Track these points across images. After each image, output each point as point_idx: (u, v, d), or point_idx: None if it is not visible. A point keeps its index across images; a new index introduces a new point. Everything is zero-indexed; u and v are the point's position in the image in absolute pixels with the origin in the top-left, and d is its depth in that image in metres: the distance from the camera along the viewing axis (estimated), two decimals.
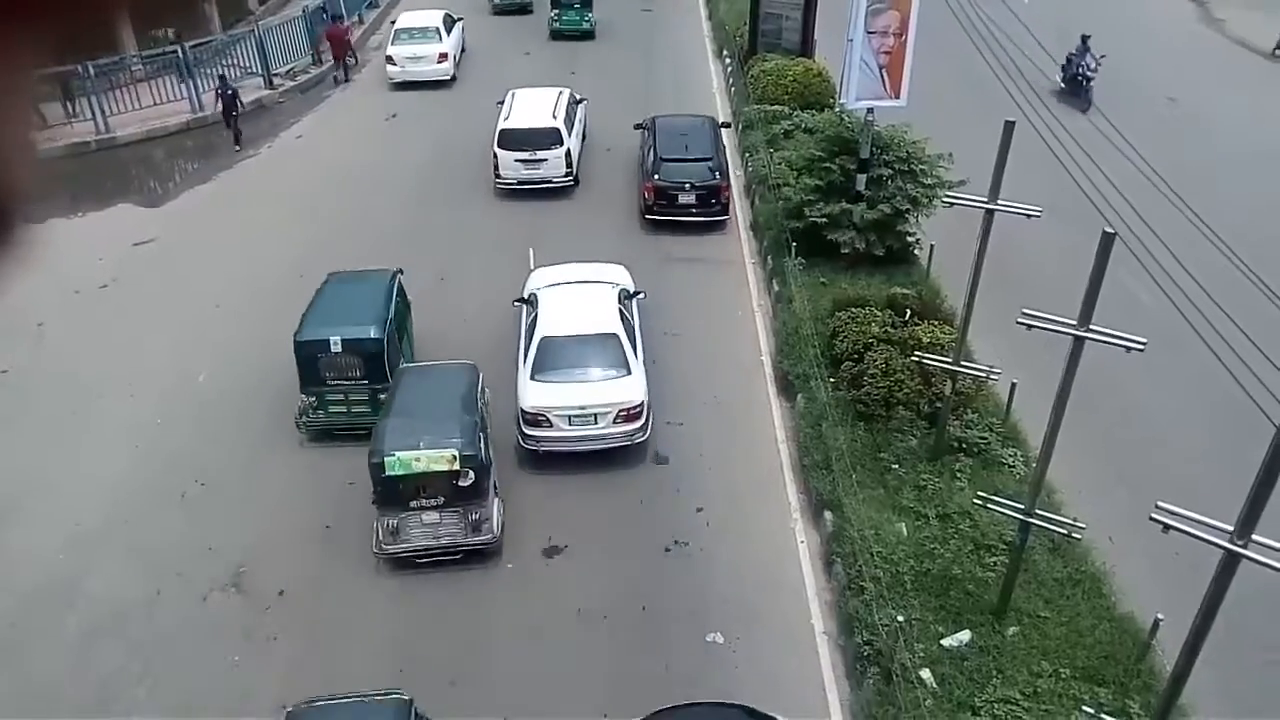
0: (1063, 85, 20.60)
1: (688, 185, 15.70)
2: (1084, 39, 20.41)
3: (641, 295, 12.94)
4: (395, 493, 9.39)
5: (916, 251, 14.21)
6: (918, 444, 10.52)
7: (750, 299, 14.36)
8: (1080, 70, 20.18)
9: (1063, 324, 7.43)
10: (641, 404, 10.98)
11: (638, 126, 17.80)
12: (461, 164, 18.25)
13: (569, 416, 10.86)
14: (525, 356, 11.33)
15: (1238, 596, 6.21)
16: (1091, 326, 7.30)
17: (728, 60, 22.70)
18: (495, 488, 10.08)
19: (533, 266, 13.91)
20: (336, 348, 11.00)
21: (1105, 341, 7.22)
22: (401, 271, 12.54)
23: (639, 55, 23.61)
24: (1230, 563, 6.12)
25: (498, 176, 16.99)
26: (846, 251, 13.81)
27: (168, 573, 9.86)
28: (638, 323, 12.22)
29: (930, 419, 10.68)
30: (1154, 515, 6.25)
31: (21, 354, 13.32)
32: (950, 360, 9.84)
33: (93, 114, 19.66)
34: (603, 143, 18.85)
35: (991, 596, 8.65)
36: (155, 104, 20.41)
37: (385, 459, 9.22)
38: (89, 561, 10.03)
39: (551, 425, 10.87)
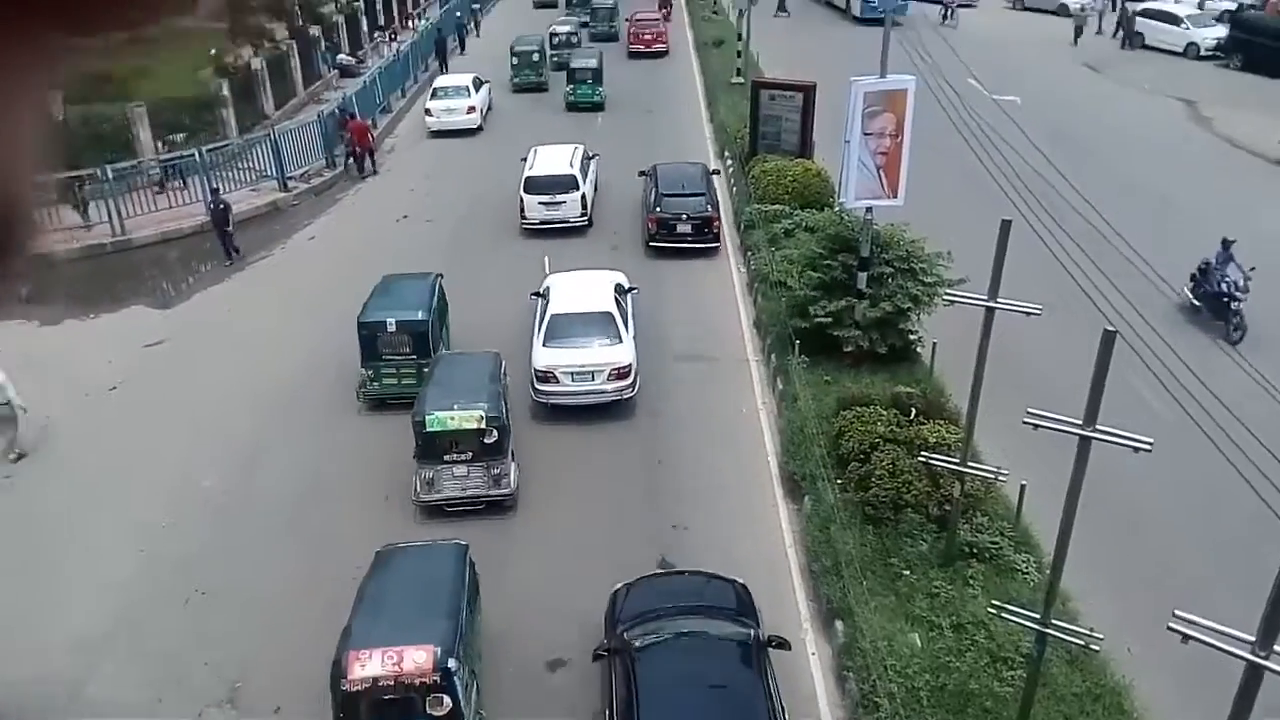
0: (1195, 303, 15.88)
1: (684, 216, 18.65)
2: (1225, 244, 15.82)
3: (634, 290, 15.48)
4: (433, 446, 11.40)
5: (919, 349, 14.28)
6: (928, 548, 10.36)
7: (755, 397, 14.38)
8: (1225, 286, 15.41)
9: (1068, 424, 7.39)
10: (629, 365, 13.56)
11: (641, 173, 20.74)
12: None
13: (572, 374, 13.43)
14: (538, 330, 13.99)
15: (1266, 707, 6.02)
16: (1097, 427, 7.26)
17: (729, 160, 23.28)
18: (513, 453, 11.93)
19: (547, 271, 16.38)
20: (391, 327, 13.51)
21: (1112, 442, 7.17)
22: (442, 276, 15.11)
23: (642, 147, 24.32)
24: (1254, 675, 5.96)
25: (523, 217, 19.65)
26: (850, 349, 13.89)
27: (169, 681, 9.65)
28: (630, 310, 14.81)
29: (940, 522, 10.55)
30: (1172, 625, 6.12)
31: (28, 457, 13.31)
32: (957, 460, 9.78)
33: (109, 217, 20.10)
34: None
35: (1010, 713, 8.37)
36: (171, 207, 20.88)
37: (426, 417, 11.32)
38: (90, 667, 9.83)
39: (558, 381, 13.46)
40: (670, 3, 42.34)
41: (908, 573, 9.99)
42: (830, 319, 13.82)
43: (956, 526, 10.18)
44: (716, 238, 18.95)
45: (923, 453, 10.39)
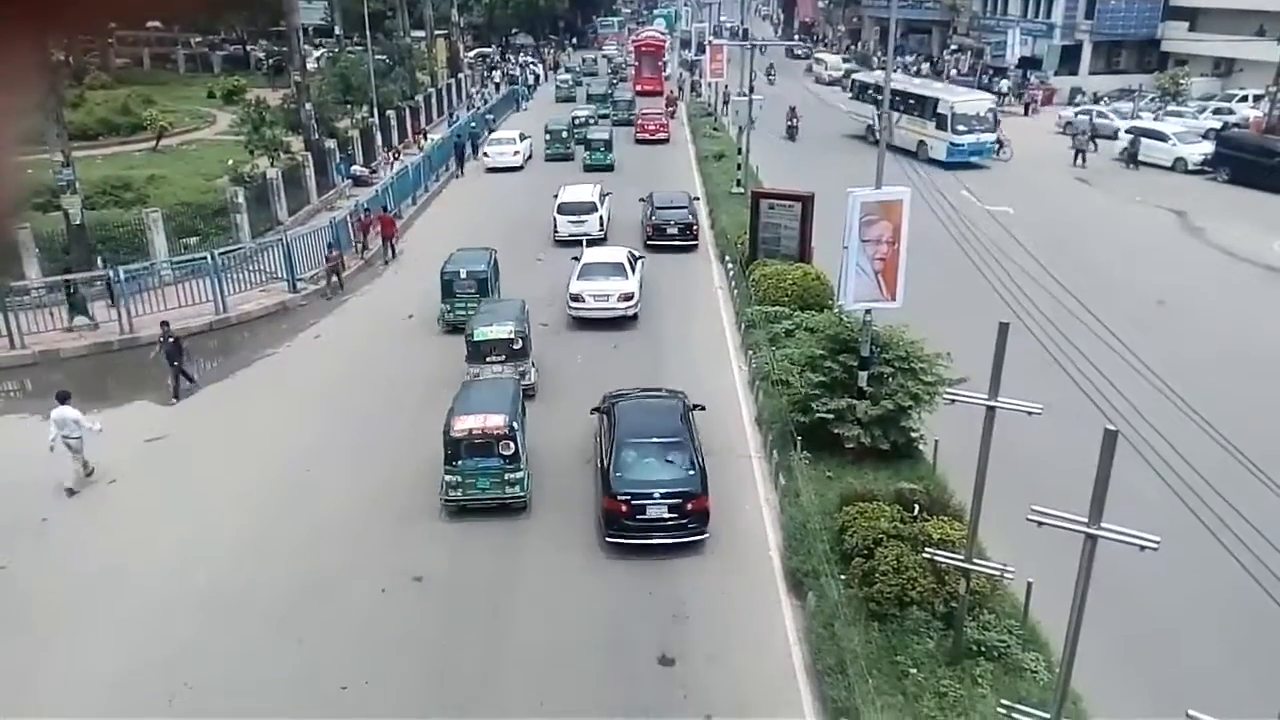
0: None
1: (672, 223, 26.11)
2: None
3: (643, 258, 22.60)
4: (478, 352, 16.49)
5: (922, 447, 14.27)
6: (935, 646, 10.11)
7: (757, 493, 14.29)
8: None
9: (1073, 522, 7.35)
10: (633, 293, 20.67)
11: (641, 200, 28.07)
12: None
13: (593, 296, 20.50)
14: (574, 274, 21.05)
15: None
16: (1103, 525, 7.22)
17: (729, 265, 23.77)
18: (534, 364, 17.30)
19: (585, 248, 23.20)
20: (463, 275, 20.13)
21: (1117, 540, 7.11)
22: (496, 250, 21.83)
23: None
24: None
25: (556, 231, 26.46)
26: (852, 446, 13.89)
27: None
28: (640, 268, 21.81)
29: (946, 619, 10.33)
30: None
31: (23, 549, 13.18)
32: (962, 557, 9.66)
33: (118, 315, 20.42)
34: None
35: None
36: (180, 305, 21.22)
37: (475, 331, 16.69)
38: None
39: (584, 301, 20.52)
40: (675, 104, 51.61)
41: (914, 671, 9.71)
42: (832, 415, 13.88)
43: (963, 624, 9.96)
44: (695, 238, 26.44)
45: (927, 549, 10.25)
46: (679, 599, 11.79)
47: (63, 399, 14.69)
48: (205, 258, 22.00)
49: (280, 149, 31.70)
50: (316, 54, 53.89)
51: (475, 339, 16.50)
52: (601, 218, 26.54)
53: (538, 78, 65.89)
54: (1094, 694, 9.28)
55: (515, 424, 13.30)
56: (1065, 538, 7.37)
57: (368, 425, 16.54)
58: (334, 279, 23.80)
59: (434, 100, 49.49)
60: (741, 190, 29.21)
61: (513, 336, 16.51)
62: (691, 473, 12.83)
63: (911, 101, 38.90)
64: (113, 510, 14.18)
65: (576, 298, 20.55)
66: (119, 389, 18.61)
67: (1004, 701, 8.40)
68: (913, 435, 14.25)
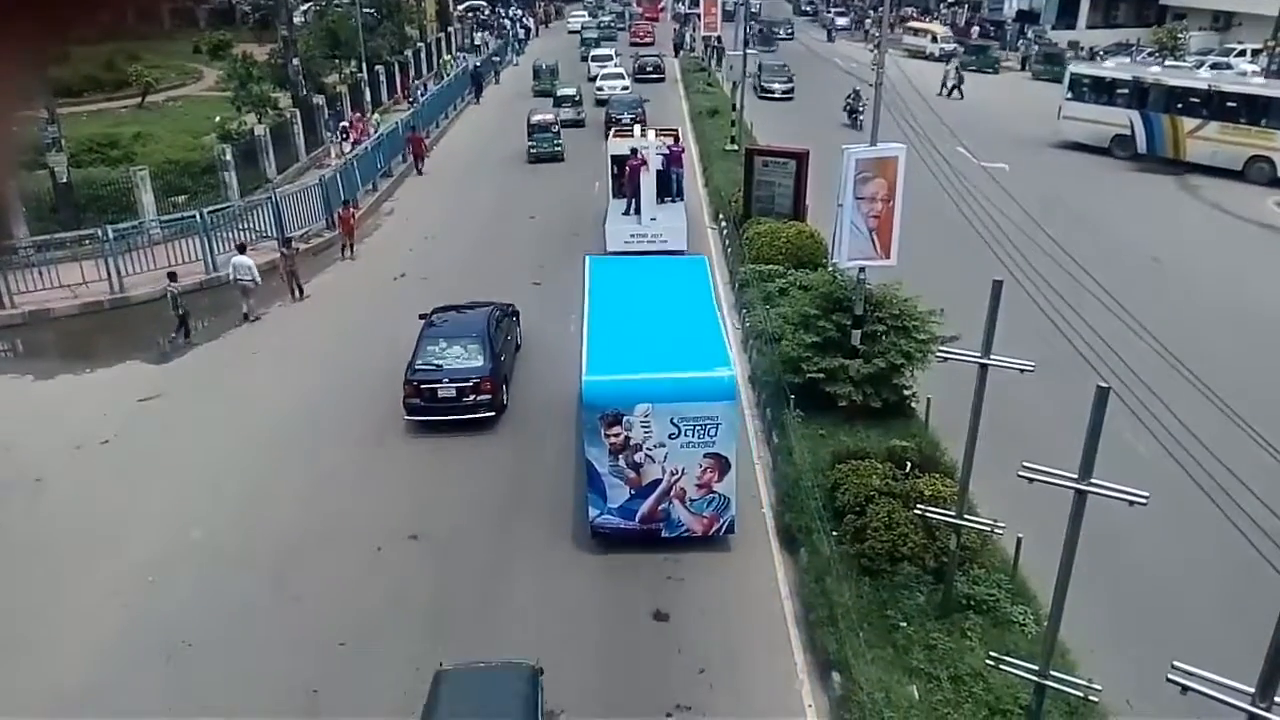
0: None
1: (649, 66, 47.76)
2: None
3: (648, 101, 36.01)
4: (559, 101, 37.20)
5: (914, 404, 14.33)
6: (925, 600, 10.26)
7: (750, 450, 14.35)
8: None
9: (1064, 478, 7.40)
10: (629, 85, 41.94)
11: (632, 57, 48.80)
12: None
13: (608, 87, 40.57)
14: (598, 77, 42.82)
15: None
16: (1092, 480, 7.27)
17: (724, 223, 23.64)
18: (585, 110, 37.33)
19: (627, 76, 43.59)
20: (544, 67, 44.72)
21: (1107, 495, 7.18)
22: (558, 59, 45.58)
23: None
24: None
25: (589, 75, 44.40)
26: (844, 404, 13.94)
27: None
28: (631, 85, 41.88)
29: (936, 574, 10.46)
30: (1171, 676, 6.05)
31: (17, 510, 13.20)
32: (953, 514, 9.75)
33: (108, 274, 20.26)
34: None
35: None
36: (170, 265, 20.98)
37: (558, 90, 38.83)
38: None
39: (603, 90, 40.19)
40: (677, 37, 59.91)
41: (905, 624, 9.86)
42: (824, 375, 13.91)
43: (953, 579, 10.10)
44: (663, 74, 47.17)
45: (919, 506, 10.35)
46: (673, 556, 11.88)
47: (240, 249, 19.35)
48: (194, 216, 21.78)
49: (268, 105, 31.25)
50: (303, 8, 52.80)
51: (558, 94, 37.06)
52: (615, 64, 45.26)
53: (528, 31, 64.67)
54: (1082, 647, 9.44)
55: (559, 122, 31.74)
56: (1057, 494, 7.44)
57: (358, 383, 16.56)
58: (291, 282, 20.85)
59: (423, 55, 48.63)
60: (736, 148, 28.92)
61: (575, 93, 36.94)
62: (642, 101, 34.71)
63: (1231, 105, 28.58)
64: (107, 470, 14.19)
65: (600, 89, 39.88)
66: (111, 348, 18.52)
67: (992, 654, 8.53)
68: (905, 393, 14.30)
